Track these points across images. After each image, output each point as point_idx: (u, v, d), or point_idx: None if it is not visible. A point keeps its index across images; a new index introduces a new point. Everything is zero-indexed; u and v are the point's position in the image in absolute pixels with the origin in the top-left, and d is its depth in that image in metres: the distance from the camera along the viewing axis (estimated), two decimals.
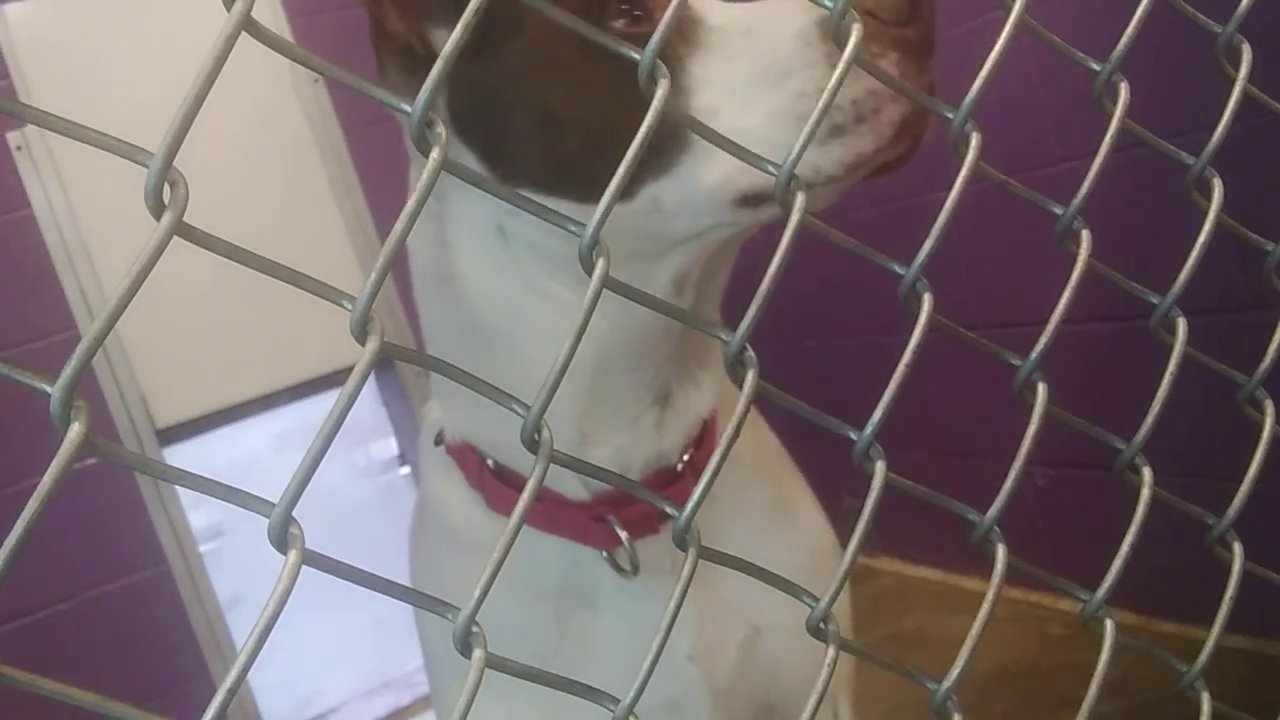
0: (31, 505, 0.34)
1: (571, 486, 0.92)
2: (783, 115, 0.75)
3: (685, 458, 0.95)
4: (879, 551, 3.13)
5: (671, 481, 0.94)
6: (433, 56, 0.59)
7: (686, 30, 0.79)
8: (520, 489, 0.93)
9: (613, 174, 0.51)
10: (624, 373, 0.89)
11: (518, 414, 0.48)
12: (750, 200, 0.78)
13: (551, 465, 0.69)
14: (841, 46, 0.58)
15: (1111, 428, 0.71)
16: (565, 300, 0.85)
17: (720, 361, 0.91)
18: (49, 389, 0.36)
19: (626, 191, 0.74)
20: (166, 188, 0.37)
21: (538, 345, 0.86)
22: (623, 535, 0.91)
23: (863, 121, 0.73)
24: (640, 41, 0.53)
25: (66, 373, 0.36)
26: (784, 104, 0.75)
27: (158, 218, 0.37)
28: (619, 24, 0.79)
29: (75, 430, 0.36)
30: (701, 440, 0.96)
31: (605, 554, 0.93)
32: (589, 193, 0.69)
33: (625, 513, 0.92)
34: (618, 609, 0.97)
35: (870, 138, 0.74)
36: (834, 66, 0.59)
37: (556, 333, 0.52)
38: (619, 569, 0.93)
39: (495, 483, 0.95)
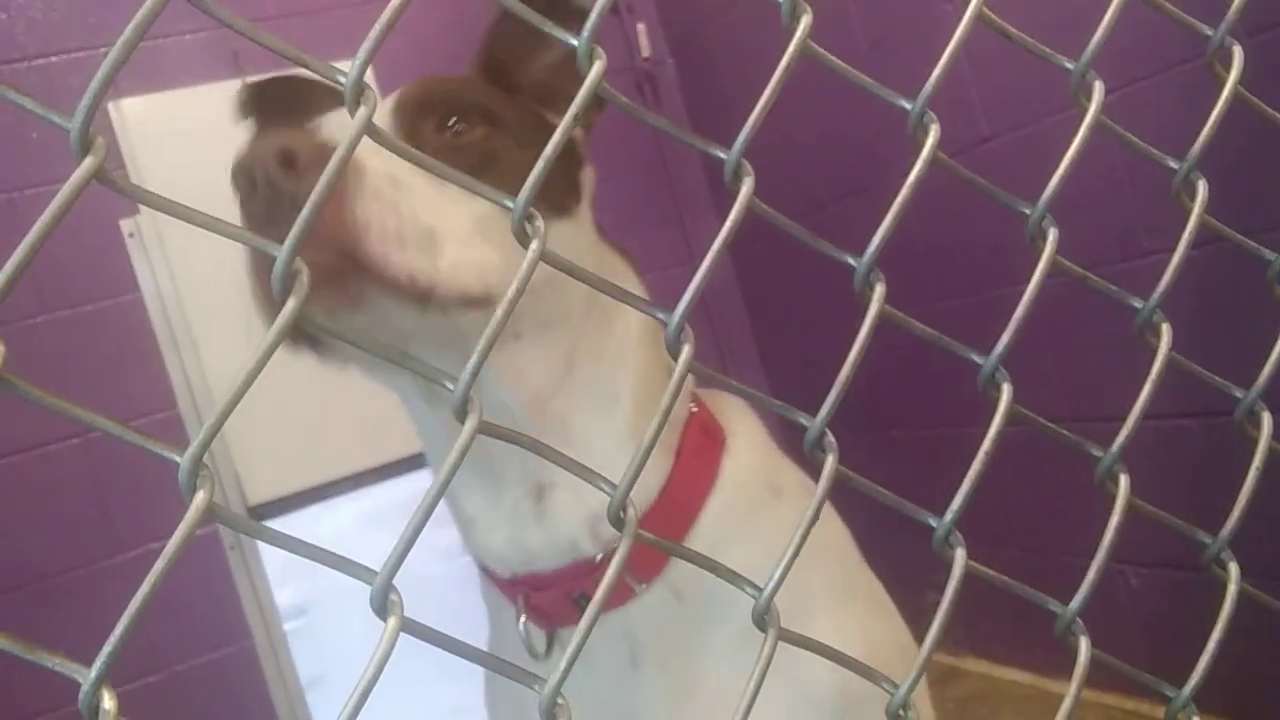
0: (159, 565, 0.37)
1: (496, 563, 0.94)
2: None
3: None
4: (965, 651, 3.03)
5: (589, 573, 0.90)
6: None
7: None
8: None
9: None
10: (477, 468, 0.91)
11: (605, 491, 0.50)
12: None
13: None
14: None
15: (1203, 525, 0.70)
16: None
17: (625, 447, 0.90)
18: (178, 459, 0.39)
19: None
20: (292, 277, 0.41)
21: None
22: (521, 619, 0.93)
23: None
24: None
25: (195, 444, 0.39)
26: None
27: (283, 304, 0.40)
28: None
29: (200, 497, 0.39)
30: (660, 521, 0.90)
31: (524, 633, 0.93)
32: None
33: (536, 598, 0.92)
34: (591, 695, 0.91)
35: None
36: None
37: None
38: (531, 651, 0.93)
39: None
